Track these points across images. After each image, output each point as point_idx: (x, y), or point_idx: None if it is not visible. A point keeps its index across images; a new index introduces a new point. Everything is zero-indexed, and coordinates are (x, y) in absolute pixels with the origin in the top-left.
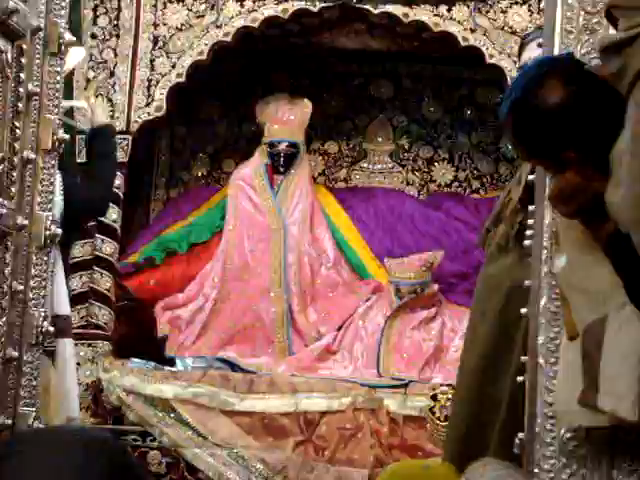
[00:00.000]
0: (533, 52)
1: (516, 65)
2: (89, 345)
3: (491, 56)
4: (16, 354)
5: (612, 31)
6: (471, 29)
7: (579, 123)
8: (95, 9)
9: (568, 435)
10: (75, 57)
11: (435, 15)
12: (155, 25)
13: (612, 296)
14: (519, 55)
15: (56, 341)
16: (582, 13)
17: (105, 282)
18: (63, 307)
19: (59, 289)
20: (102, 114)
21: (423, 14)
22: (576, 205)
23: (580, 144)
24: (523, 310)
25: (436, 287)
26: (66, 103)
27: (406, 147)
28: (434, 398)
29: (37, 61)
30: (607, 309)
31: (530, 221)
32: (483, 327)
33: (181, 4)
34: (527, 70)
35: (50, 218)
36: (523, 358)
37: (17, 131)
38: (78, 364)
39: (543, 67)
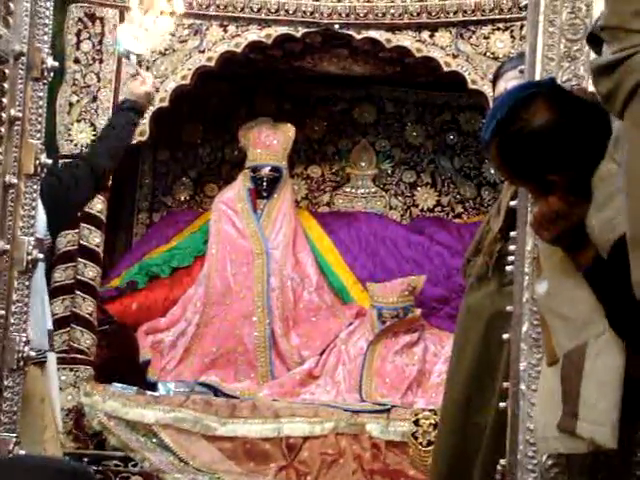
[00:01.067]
0: (509, 82)
1: (491, 95)
2: (71, 370)
3: (473, 82)
4: None
5: (593, 56)
6: (453, 55)
7: (564, 145)
8: (78, 34)
9: (550, 462)
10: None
11: (417, 41)
12: None
13: (592, 322)
14: (493, 86)
15: (48, 354)
16: (563, 40)
17: (87, 306)
18: (48, 322)
19: (45, 304)
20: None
21: (406, 39)
22: (557, 231)
23: (565, 167)
24: (505, 336)
25: (419, 312)
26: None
27: (389, 172)
28: (416, 423)
29: (20, 86)
30: (587, 335)
31: (511, 247)
32: (466, 356)
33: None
34: (511, 92)
35: (32, 243)
36: (505, 384)
37: None
38: (60, 389)
39: (529, 89)
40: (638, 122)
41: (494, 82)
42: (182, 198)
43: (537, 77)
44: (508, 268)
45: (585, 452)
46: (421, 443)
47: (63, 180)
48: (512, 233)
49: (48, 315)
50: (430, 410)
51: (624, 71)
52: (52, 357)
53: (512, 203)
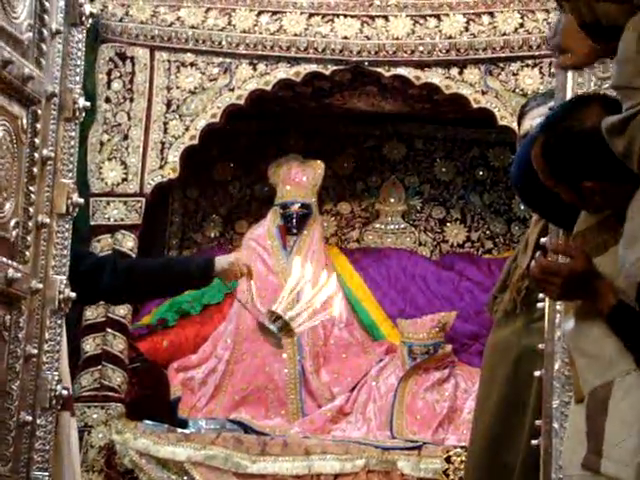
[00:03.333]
0: (535, 120)
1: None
2: (102, 407)
3: (502, 118)
4: (30, 418)
5: None
6: (482, 91)
7: (610, 152)
8: (109, 73)
9: None
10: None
11: (447, 78)
12: (168, 88)
13: (618, 361)
14: (519, 125)
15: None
16: (593, 78)
17: (118, 344)
18: (66, 378)
19: (63, 360)
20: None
21: (435, 77)
22: (560, 287)
23: (604, 175)
24: (536, 373)
25: (449, 348)
26: None
27: (418, 208)
28: (448, 460)
29: (52, 126)
30: (613, 374)
31: None
32: (493, 394)
33: (194, 68)
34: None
35: (64, 282)
36: (537, 422)
37: (32, 195)
38: (91, 427)
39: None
40: None
41: (519, 120)
42: (212, 235)
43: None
44: (538, 305)
45: None
46: None
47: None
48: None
49: (66, 375)
50: (461, 447)
51: (635, 126)
52: (71, 420)
53: (543, 240)
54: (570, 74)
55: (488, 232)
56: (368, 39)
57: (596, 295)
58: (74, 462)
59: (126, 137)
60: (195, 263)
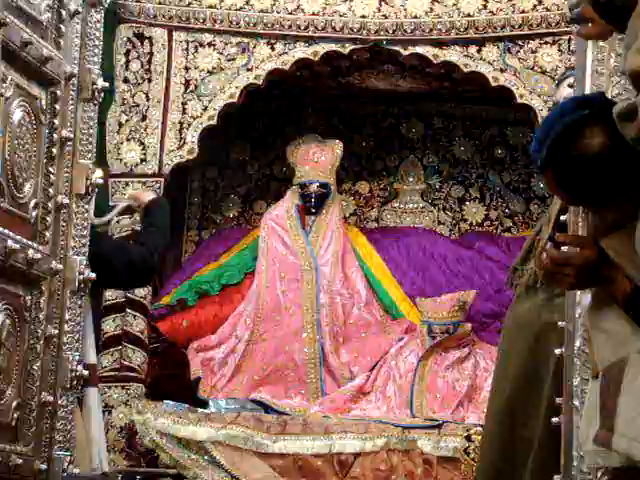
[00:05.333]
0: (566, 90)
1: (540, 109)
2: (122, 388)
3: (521, 96)
4: (51, 398)
5: None
6: (501, 69)
7: (623, 166)
8: (127, 54)
9: (605, 478)
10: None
11: (465, 56)
12: (187, 69)
13: (633, 338)
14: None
15: (84, 389)
16: (613, 55)
17: (138, 324)
18: (91, 356)
19: (87, 337)
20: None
21: (453, 55)
22: (573, 277)
23: (625, 189)
24: (557, 351)
25: (469, 326)
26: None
27: (437, 187)
28: (468, 439)
29: (71, 107)
30: (628, 350)
31: None
32: (512, 368)
33: (212, 48)
34: (559, 114)
35: (84, 262)
36: (558, 399)
37: (51, 176)
38: (112, 407)
39: (577, 111)
40: None
41: (557, 86)
42: (231, 215)
43: (587, 91)
44: None
45: (620, 466)
46: (473, 459)
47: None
48: (563, 248)
49: (91, 349)
50: (482, 425)
51: None
52: (93, 392)
53: (562, 218)
54: (590, 52)
55: (507, 211)
56: (386, 18)
57: (610, 282)
58: (97, 434)
59: (144, 118)
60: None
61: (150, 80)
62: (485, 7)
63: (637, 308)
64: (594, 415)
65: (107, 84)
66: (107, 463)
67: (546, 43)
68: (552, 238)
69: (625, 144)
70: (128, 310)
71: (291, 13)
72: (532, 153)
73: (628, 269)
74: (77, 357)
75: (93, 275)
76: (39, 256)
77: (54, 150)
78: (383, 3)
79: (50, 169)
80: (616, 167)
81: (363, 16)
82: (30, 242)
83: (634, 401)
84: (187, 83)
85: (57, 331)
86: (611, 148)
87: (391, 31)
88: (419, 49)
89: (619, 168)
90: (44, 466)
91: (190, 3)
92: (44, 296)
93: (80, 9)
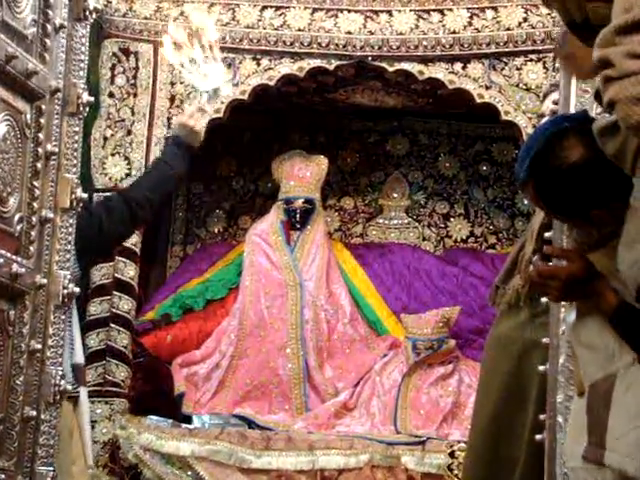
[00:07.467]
0: (551, 106)
1: (524, 127)
2: (106, 403)
3: (506, 113)
4: (34, 413)
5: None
6: (486, 86)
7: (603, 177)
8: (113, 68)
9: None
10: (226, 89)
11: (450, 72)
12: (172, 84)
13: (621, 354)
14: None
15: (79, 388)
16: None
17: (122, 339)
18: (79, 356)
19: (75, 339)
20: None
21: (438, 71)
22: (559, 289)
23: (608, 199)
24: (541, 368)
25: (453, 343)
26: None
27: (422, 203)
28: (452, 455)
29: (56, 121)
30: (616, 366)
31: None
32: (495, 385)
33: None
34: (541, 130)
35: (68, 277)
36: (542, 416)
37: (36, 190)
38: (95, 422)
39: (558, 124)
40: None
41: (543, 99)
42: (216, 230)
43: (572, 109)
44: (543, 298)
45: None
46: (457, 475)
47: (94, 212)
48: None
49: (79, 349)
50: (465, 442)
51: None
52: (83, 392)
53: (547, 234)
54: None
55: (492, 227)
56: (372, 34)
57: (596, 296)
58: (86, 437)
59: (129, 132)
60: (166, 149)
61: (135, 95)
62: (470, 24)
63: (624, 322)
64: (580, 432)
65: (92, 98)
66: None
67: (531, 60)
68: (538, 251)
69: (605, 157)
70: (112, 325)
71: (277, 29)
72: (515, 168)
73: (615, 283)
74: (60, 371)
75: (77, 289)
76: (23, 270)
77: (39, 164)
78: (369, 19)
79: (35, 183)
80: (595, 179)
81: (349, 32)
82: (14, 256)
83: (625, 417)
84: (173, 98)
85: (41, 346)
86: (590, 160)
87: (377, 47)
88: (404, 65)
89: (598, 181)
90: None
91: (176, 18)
92: (28, 310)
93: (66, 23)
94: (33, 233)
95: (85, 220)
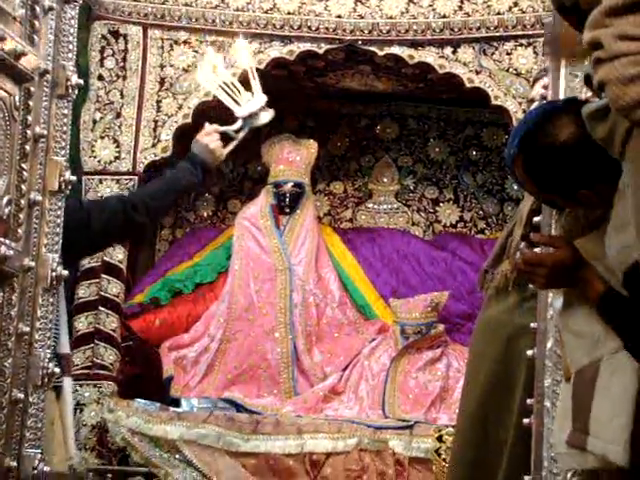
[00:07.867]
0: (541, 90)
1: (514, 111)
2: (94, 386)
3: (496, 97)
4: (22, 396)
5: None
6: (476, 71)
7: (593, 158)
8: (102, 51)
9: (575, 479)
10: (265, 117)
11: (440, 57)
12: (162, 66)
13: (606, 340)
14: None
15: (62, 378)
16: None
17: (111, 322)
18: (65, 345)
19: (62, 328)
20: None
21: (428, 56)
22: (545, 277)
23: (595, 180)
24: (529, 352)
25: (442, 327)
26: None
27: (411, 188)
28: (440, 439)
29: (44, 103)
30: (601, 352)
31: None
32: (484, 370)
33: (187, 46)
34: (533, 111)
35: (56, 260)
36: (529, 401)
37: (24, 173)
38: (83, 405)
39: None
40: (639, 161)
41: (533, 84)
42: (205, 214)
43: (561, 93)
44: (531, 284)
45: (596, 468)
46: (444, 460)
47: (85, 206)
48: (535, 249)
49: (65, 339)
50: (453, 426)
51: (616, 114)
52: (67, 382)
53: (536, 219)
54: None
55: (481, 212)
56: (362, 18)
57: (583, 283)
58: (70, 424)
59: (119, 115)
60: (182, 169)
61: (125, 78)
62: (461, 8)
63: (610, 309)
64: (566, 418)
65: (81, 81)
66: (76, 456)
67: (521, 45)
68: (525, 237)
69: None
70: (101, 308)
71: (267, 12)
72: (507, 145)
73: (600, 270)
74: (49, 354)
75: (66, 272)
76: (11, 253)
77: (27, 147)
78: (359, 3)
79: (23, 166)
80: (584, 160)
81: (339, 16)
82: (2, 239)
83: (609, 403)
84: (162, 81)
85: (29, 328)
86: (581, 141)
87: (367, 31)
88: (394, 50)
89: (587, 162)
90: (14, 464)
91: (165, 1)
92: (16, 293)
93: (54, 5)
94: (21, 216)
95: (74, 212)
